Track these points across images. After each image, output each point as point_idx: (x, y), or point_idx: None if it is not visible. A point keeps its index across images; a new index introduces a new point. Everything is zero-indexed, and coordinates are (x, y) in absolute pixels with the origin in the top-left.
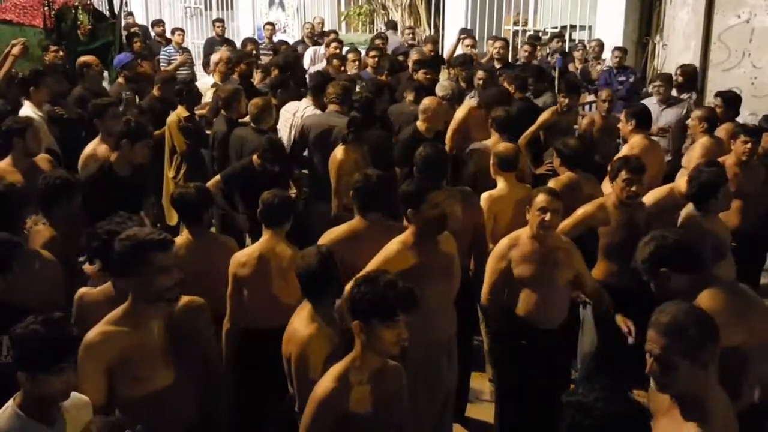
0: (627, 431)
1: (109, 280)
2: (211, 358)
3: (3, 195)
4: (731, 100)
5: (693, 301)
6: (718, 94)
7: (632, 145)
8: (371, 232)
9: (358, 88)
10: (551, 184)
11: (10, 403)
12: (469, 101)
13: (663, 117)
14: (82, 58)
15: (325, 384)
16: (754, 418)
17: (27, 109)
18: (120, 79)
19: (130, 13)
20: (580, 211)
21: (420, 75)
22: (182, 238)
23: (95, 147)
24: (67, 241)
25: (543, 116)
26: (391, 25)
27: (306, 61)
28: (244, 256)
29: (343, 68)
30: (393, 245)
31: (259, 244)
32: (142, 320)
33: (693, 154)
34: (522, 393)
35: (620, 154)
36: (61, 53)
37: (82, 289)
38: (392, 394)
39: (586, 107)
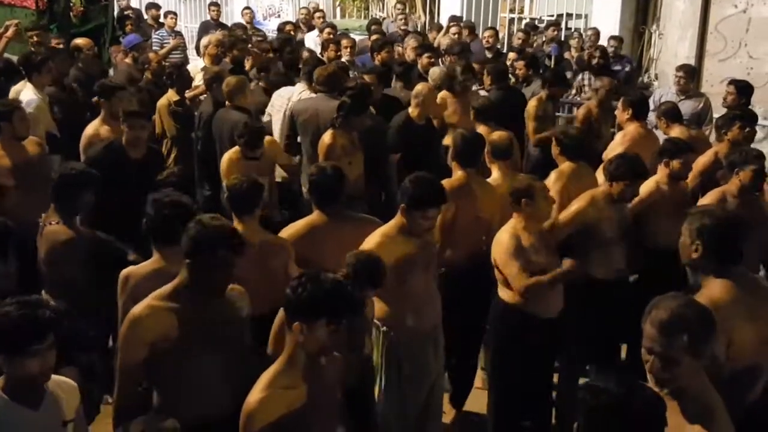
0: (645, 417)
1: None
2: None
3: None
4: (744, 89)
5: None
6: (731, 82)
7: (626, 132)
8: (332, 226)
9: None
10: (553, 174)
11: None
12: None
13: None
14: (75, 41)
15: (255, 395)
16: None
17: (28, 92)
18: (128, 59)
19: None
20: (573, 208)
21: (424, 59)
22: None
23: (98, 127)
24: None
25: (530, 108)
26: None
27: (310, 45)
28: None
29: (339, 53)
30: (376, 238)
31: None
32: (189, 301)
33: None
34: (517, 382)
35: (614, 143)
36: (50, 37)
37: (128, 268)
38: (331, 390)
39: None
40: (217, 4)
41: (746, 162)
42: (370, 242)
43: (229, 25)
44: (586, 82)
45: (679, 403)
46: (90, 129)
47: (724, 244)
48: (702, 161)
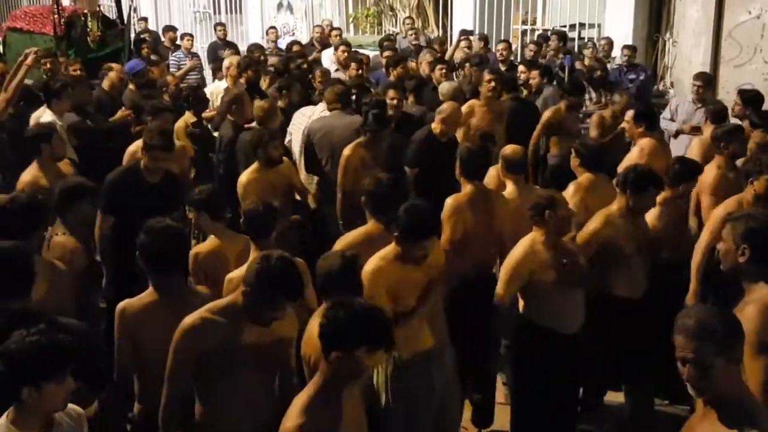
0: None
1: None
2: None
3: (26, 206)
4: (751, 99)
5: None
6: (739, 92)
7: (642, 146)
8: (387, 235)
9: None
10: (572, 186)
11: (3, 420)
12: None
13: (696, 116)
14: (108, 65)
15: (292, 420)
16: None
17: (48, 118)
18: (131, 86)
19: (144, 19)
20: (590, 229)
21: (437, 72)
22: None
23: (138, 146)
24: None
25: (544, 116)
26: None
27: (326, 64)
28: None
29: (360, 71)
30: (374, 261)
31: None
32: (240, 319)
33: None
34: (538, 397)
35: (631, 157)
36: (61, 63)
37: (124, 301)
38: (360, 411)
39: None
40: (223, 24)
41: (761, 171)
42: (368, 265)
43: (245, 44)
44: (586, 95)
45: (718, 411)
46: (132, 147)
47: None
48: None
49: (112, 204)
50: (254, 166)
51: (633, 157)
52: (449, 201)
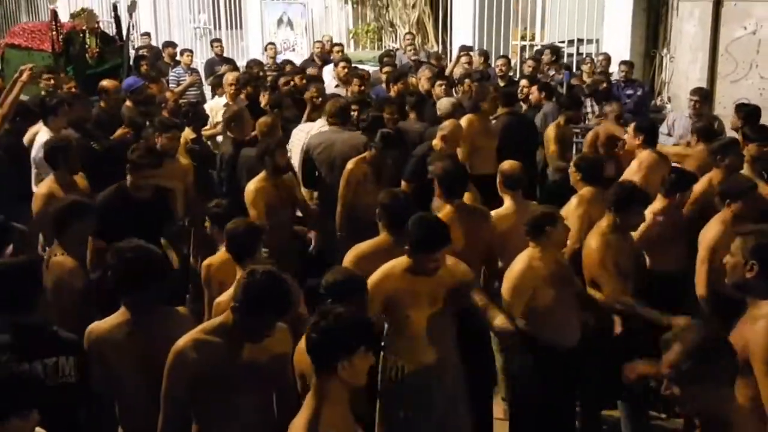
0: None
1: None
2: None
3: None
4: (748, 115)
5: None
6: (737, 107)
7: (641, 160)
8: (397, 249)
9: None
10: (574, 200)
11: None
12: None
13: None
14: (102, 83)
15: None
16: None
17: (44, 135)
18: (128, 103)
19: (146, 34)
20: (593, 248)
21: (437, 89)
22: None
23: (48, 186)
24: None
25: (550, 132)
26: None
27: (327, 79)
28: (225, 300)
29: (362, 87)
30: (382, 271)
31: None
32: (234, 338)
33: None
34: (536, 412)
35: (631, 170)
36: (59, 80)
37: (93, 324)
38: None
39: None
40: (219, 40)
41: (738, 195)
42: (374, 274)
43: (245, 60)
44: (589, 108)
45: (703, 428)
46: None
47: None
48: (698, 189)
49: (103, 227)
50: (261, 175)
51: (632, 170)
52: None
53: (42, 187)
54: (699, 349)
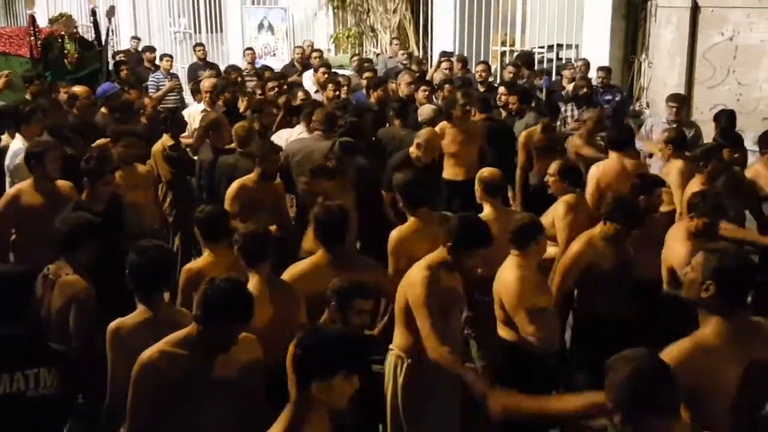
0: None
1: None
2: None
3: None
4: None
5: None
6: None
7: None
8: (336, 266)
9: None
10: (562, 205)
11: None
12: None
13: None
14: (72, 89)
15: None
16: None
17: (18, 142)
18: (103, 109)
19: (137, 38)
20: (573, 250)
21: (420, 93)
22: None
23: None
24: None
25: (522, 139)
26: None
27: (307, 84)
28: None
29: (338, 92)
30: (422, 270)
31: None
32: (201, 349)
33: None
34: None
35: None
36: (46, 86)
37: (116, 321)
38: None
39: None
40: (202, 45)
41: (703, 214)
42: (413, 272)
43: (225, 65)
44: (569, 113)
45: None
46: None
47: (737, 289)
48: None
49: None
50: (251, 175)
51: (591, 174)
52: (394, 234)
53: (12, 188)
54: (636, 379)
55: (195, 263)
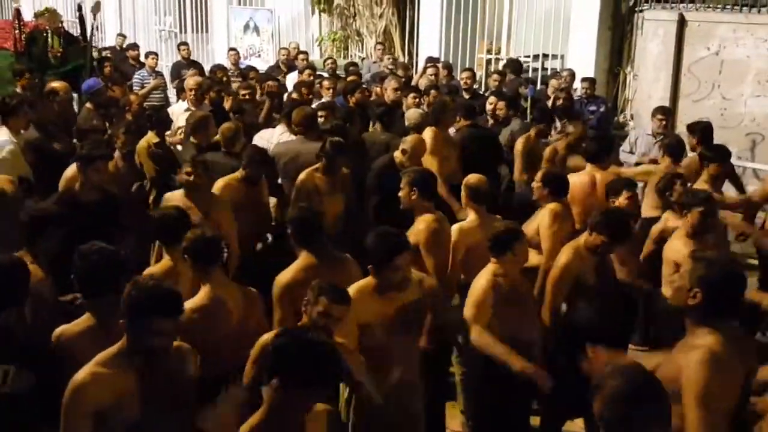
0: None
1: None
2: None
3: None
4: (703, 133)
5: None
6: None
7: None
8: (323, 265)
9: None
10: (548, 214)
11: None
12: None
13: (655, 149)
14: (51, 84)
15: None
16: None
17: (2, 135)
18: (88, 104)
19: (122, 35)
20: (561, 262)
21: (410, 100)
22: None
23: (75, 170)
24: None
25: (519, 146)
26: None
27: (291, 86)
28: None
29: (310, 95)
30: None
31: (206, 291)
32: (132, 364)
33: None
34: (494, 424)
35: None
36: (36, 80)
37: (60, 328)
38: None
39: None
40: (186, 44)
41: (693, 204)
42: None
43: (210, 64)
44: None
45: None
46: (68, 172)
47: (725, 299)
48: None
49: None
50: (236, 174)
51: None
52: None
53: None
54: (621, 396)
55: (154, 267)
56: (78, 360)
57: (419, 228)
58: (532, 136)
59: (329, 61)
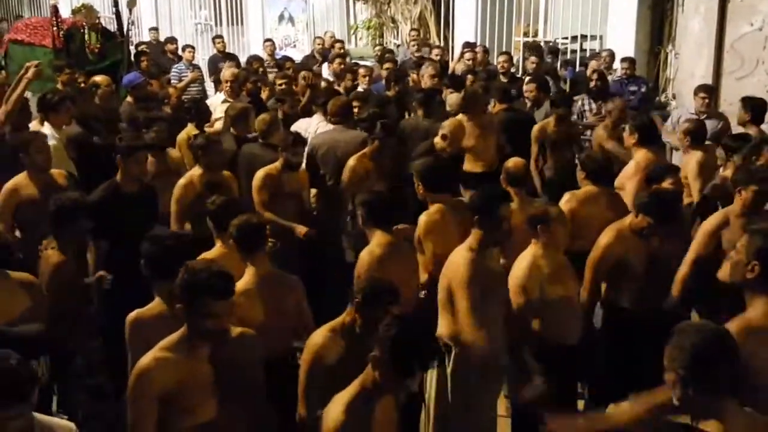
0: None
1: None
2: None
3: None
4: (755, 107)
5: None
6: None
7: (638, 160)
8: (397, 244)
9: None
10: (566, 196)
11: None
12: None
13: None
14: (93, 78)
15: (334, 418)
16: None
17: (45, 131)
18: (129, 98)
19: (155, 29)
20: (602, 243)
21: (448, 91)
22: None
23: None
24: (76, 265)
25: (535, 132)
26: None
27: (326, 75)
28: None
29: (356, 82)
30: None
31: (247, 278)
32: (196, 348)
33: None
34: (537, 409)
35: (628, 172)
36: (76, 75)
37: (134, 312)
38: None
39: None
40: (221, 37)
41: (749, 182)
42: (455, 255)
43: (246, 56)
44: (587, 107)
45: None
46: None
47: None
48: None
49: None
50: (275, 164)
51: (629, 172)
52: (423, 218)
53: (9, 183)
54: (695, 353)
55: (208, 253)
56: (151, 344)
57: (419, 219)
58: (551, 122)
59: (377, 48)
